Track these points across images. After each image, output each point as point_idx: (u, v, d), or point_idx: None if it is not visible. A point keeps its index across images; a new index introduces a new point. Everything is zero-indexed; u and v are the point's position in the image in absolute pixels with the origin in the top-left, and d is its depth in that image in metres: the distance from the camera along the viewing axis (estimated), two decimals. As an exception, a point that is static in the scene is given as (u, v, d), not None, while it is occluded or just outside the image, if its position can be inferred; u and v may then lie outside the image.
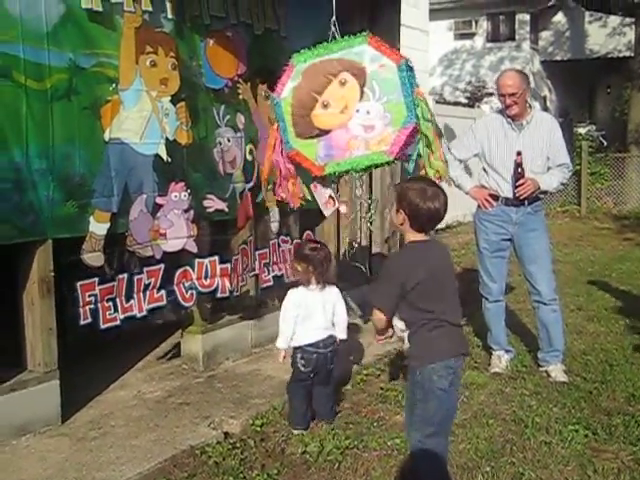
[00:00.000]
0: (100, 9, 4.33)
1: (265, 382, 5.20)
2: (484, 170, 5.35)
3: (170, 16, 4.82)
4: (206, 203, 5.17)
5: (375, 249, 7.33)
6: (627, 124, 18.28)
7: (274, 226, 5.89)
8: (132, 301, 4.72)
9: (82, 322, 4.41)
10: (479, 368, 5.40)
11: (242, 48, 5.47)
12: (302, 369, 4.41)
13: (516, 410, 4.63)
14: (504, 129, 5.23)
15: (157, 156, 4.74)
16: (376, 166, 4.04)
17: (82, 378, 4.94)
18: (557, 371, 5.22)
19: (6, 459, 3.96)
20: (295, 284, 4.66)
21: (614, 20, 26.72)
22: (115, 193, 4.50)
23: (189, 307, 5.24)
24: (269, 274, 5.88)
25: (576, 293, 7.96)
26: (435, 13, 17.07)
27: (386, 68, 3.83)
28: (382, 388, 5.01)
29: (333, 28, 4.12)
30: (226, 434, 4.32)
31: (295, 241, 6.12)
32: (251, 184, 5.60)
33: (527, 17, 27.19)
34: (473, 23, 27.57)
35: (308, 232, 6.35)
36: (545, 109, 24.58)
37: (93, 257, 4.42)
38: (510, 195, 5.17)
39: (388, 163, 3.99)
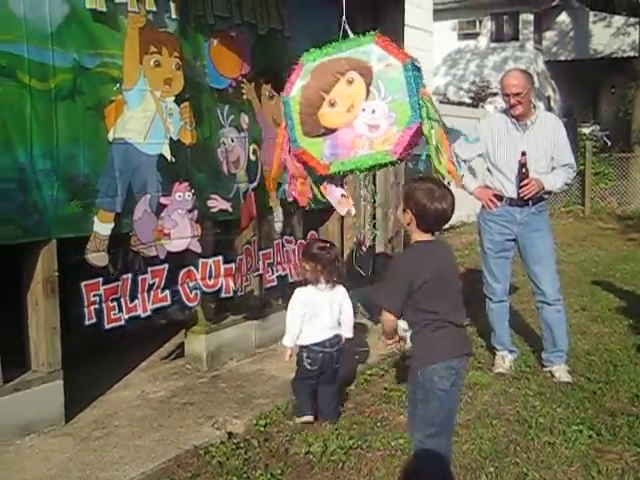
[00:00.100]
0: (104, 9, 4.34)
1: (269, 382, 5.20)
2: (488, 170, 5.35)
3: (174, 16, 4.83)
4: (210, 203, 5.18)
5: (379, 249, 7.32)
6: (631, 124, 18.26)
7: (278, 226, 5.89)
8: (136, 301, 4.73)
9: (87, 322, 4.41)
10: (483, 368, 5.39)
11: (246, 48, 5.47)
12: (308, 367, 4.44)
13: (520, 410, 4.62)
14: (508, 129, 5.22)
15: (161, 156, 4.75)
16: (380, 166, 4.03)
17: (86, 378, 4.94)
18: (561, 371, 5.22)
19: (10, 459, 3.96)
20: (300, 283, 4.67)
21: (618, 20, 26.70)
22: (119, 193, 4.51)
23: (193, 307, 5.25)
24: (273, 274, 5.88)
25: (580, 293, 7.95)
26: (439, 13, 17.11)
27: (392, 67, 3.83)
28: (386, 388, 5.00)
29: (345, 26, 4.11)
30: (230, 434, 4.32)
31: (299, 241, 6.12)
32: (255, 184, 5.60)
33: (531, 17, 27.17)
34: (477, 23, 27.57)
35: (312, 232, 6.35)
36: (549, 109, 24.56)
37: (97, 257, 4.42)
38: (514, 195, 5.16)
39: (392, 163, 3.99)
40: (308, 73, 4.06)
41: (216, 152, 5.24)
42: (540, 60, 27.95)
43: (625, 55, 25.76)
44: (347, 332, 4.59)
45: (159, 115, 4.71)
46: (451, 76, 27.71)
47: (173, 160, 4.81)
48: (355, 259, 5.85)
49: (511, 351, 5.51)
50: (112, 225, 4.47)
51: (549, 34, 28.31)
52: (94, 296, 4.45)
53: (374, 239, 7.21)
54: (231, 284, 5.29)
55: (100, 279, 4.49)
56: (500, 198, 5.24)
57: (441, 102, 19.80)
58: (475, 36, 27.81)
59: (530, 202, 5.17)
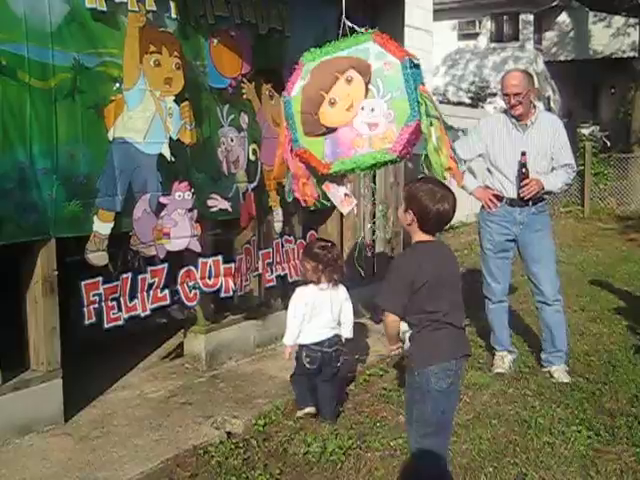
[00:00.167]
0: (104, 9, 4.34)
1: (268, 382, 5.20)
2: (488, 170, 5.34)
3: (174, 16, 4.83)
4: (210, 202, 5.18)
5: (378, 249, 7.32)
6: (631, 124, 18.26)
7: (278, 226, 5.89)
8: (136, 300, 4.73)
9: (86, 321, 4.42)
10: (482, 369, 5.39)
11: (246, 48, 5.47)
12: (307, 366, 4.46)
13: (519, 411, 4.62)
14: (508, 129, 5.22)
15: (161, 156, 4.75)
16: (381, 164, 4.03)
17: (85, 377, 4.94)
18: (560, 372, 5.22)
19: (9, 458, 3.96)
20: (300, 283, 4.67)
21: (618, 20, 26.71)
22: (119, 192, 4.51)
23: (192, 307, 5.25)
24: (272, 274, 5.88)
25: (579, 294, 7.95)
26: (439, 13, 17.10)
27: (390, 65, 3.82)
28: (385, 388, 5.00)
29: (347, 24, 4.11)
30: (229, 434, 4.32)
31: (299, 241, 6.12)
32: (254, 184, 5.60)
33: (531, 17, 27.20)
34: (477, 23, 27.61)
35: (312, 232, 6.35)
36: (549, 109, 24.57)
37: (97, 256, 4.42)
38: (514, 195, 5.16)
39: (392, 161, 3.98)
40: (308, 73, 4.06)
41: (216, 152, 5.24)
42: (540, 60, 27.97)
43: (625, 56, 25.80)
44: (347, 332, 4.60)
45: (159, 115, 4.71)
46: (451, 76, 27.73)
47: (173, 160, 4.81)
48: (358, 259, 5.85)
49: (510, 351, 5.51)
50: (112, 224, 4.47)
51: (549, 34, 28.34)
52: (94, 295, 4.45)
53: (374, 239, 7.22)
54: (230, 284, 5.29)
55: (100, 278, 4.49)
56: (500, 198, 5.24)
57: (440, 102, 19.84)
58: (475, 36, 27.84)
59: (530, 202, 5.16)
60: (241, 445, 4.15)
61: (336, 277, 4.53)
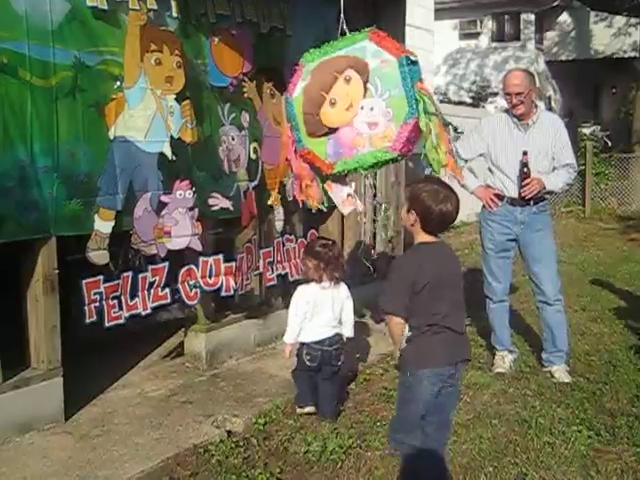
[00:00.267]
0: (105, 7, 4.34)
1: (268, 381, 5.20)
2: (489, 170, 5.34)
3: (175, 14, 4.82)
4: (211, 201, 5.17)
5: (379, 249, 7.32)
6: (632, 124, 18.26)
7: (279, 225, 5.88)
8: (137, 299, 4.73)
9: (87, 320, 4.42)
10: (482, 368, 5.39)
11: (247, 46, 5.46)
12: (307, 364, 4.47)
13: (519, 410, 4.62)
14: (510, 129, 5.22)
15: (162, 154, 4.75)
16: (382, 163, 4.02)
17: (85, 376, 4.94)
18: (561, 372, 5.22)
19: (10, 456, 3.96)
20: (301, 282, 4.67)
21: (619, 20, 26.71)
22: (120, 191, 4.50)
23: (193, 305, 5.25)
24: (273, 273, 5.88)
25: (580, 294, 7.95)
26: (440, 12, 17.09)
27: (387, 63, 3.82)
28: (385, 388, 5.00)
29: (343, 25, 4.11)
30: (229, 433, 4.32)
31: (300, 240, 6.12)
32: (255, 182, 5.59)
33: (532, 17, 27.19)
34: (478, 23, 27.61)
35: (313, 231, 6.35)
36: (550, 109, 24.55)
37: (98, 255, 4.42)
38: (515, 195, 5.16)
39: (393, 160, 3.98)
40: (308, 74, 4.06)
41: (217, 150, 5.24)
42: (541, 60, 27.97)
43: (626, 55, 25.81)
44: (348, 331, 4.60)
45: (160, 113, 4.71)
46: (452, 75, 27.73)
47: (174, 158, 4.81)
48: (365, 258, 5.86)
49: (511, 351, 5.51)
50: (113, 223, 4.47)
51: (550, 34, 28.33)
52: (95, 294, 4.45)
53: (375, 238, 7.22)
54: (231, 283, 5.29)
55: (101, 277, 4.49)
56: (501, 198, 5.24)
57: (442, 101, 19.85)
58: (476, 36, 27.84)
59: (531, 202, 5.16)
60: (241, 444, 4.15)
61: (337, 275, 4.53)
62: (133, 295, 4.71)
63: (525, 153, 5.06)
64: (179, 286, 5.01)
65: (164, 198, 4.77)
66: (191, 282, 5.08)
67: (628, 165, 16.13)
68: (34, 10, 3.99)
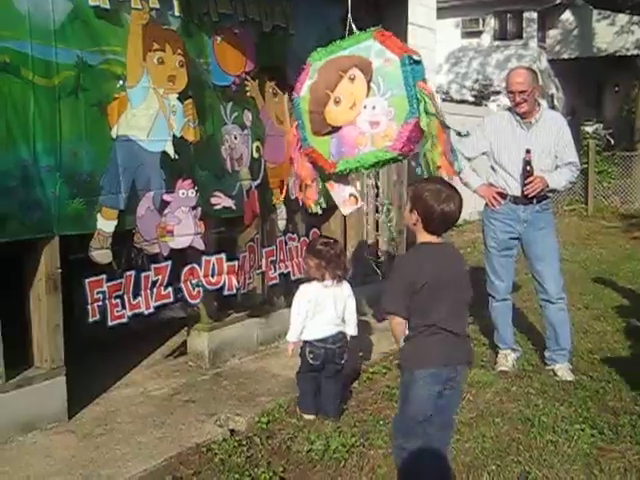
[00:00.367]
0: (107, 6, 4.34)
1: (271, 380, 5.20)
2: (492, 168, 5.33)
3: (177, 13, 4.82)
4: (213, 200, 5.17)
5: (381, 247, 7.32)
6: (635, 122, 18.23)
7: (281, 224, 5.88)
8: (139, 298, 4.73)
9: (90, 319, 4.42)
10: (485, 367, 5.39)
11: (250, 45, 5.46)
12: (310, 362, 4.47)
13: (522, 409, 4.62)
14: (513, 127, 5.21)
15: (164, 153, 4.75)
16: (383, 163, 4.02)
17: (88, 375, 4.95)
18: (564, 370, 5.21)
19: (13, 455, 3.97)
20: (303, 280, 4.67)
21: (622, 18, 26.67)
22: (122, 190, 4.51)
23: (196, 304, 5.25)
24: (276, 272, 5.88)
25: (583, 292, 7.94)
26: (443, 11, 17.05)
27: (390, 62, 3.82)
28: (388, 386, 5.00)
29: (350, 24, 4.11)
30: (232, 431, 4.32)
31: (302, 239, 6.12)
32: (258, 181, 5.59)
33: (534, 15, 27.16)
34: (480, 21, 27.58)
35: (315, 230, 6.35)
36: (552, 107, 24.53)
37: (101, 254, 4.43)
38: (518, 193, 5.16)
39: (394, 160, 3.98)
40: (315, 72, 4.07)
41: (219, 149, 5.24)
42: (543, 58, 27.93)
43: (629, 53, 25.77)
44: (351, 330, 4.60)
45: (162, 112, 4.71)
46: (454, 74, 27.70)
47: (176, 157, 4.81)
48: (374, 260, 5.87)
49: (514, 349, 5.51)
50: (115, 222, 4.47)
51: (553, 32, 28.29)
52: (97, 293, 4.46)
53: (377, 237, 7.22)
54: (234, 282, 5.29)
55: (104, 276, 4.49)
56: (504, 196, 5.23)
57: (444, 100, 19.87)
58: (478, 34, 27.81)
59: (534, 200, 5.16)
60: (244, 443, 4.15)
61: (339, 273, 4.53)
62: (136, 294, 4.71)
63: (528, 151, 5.06)
64: (182, 285, 5.01)
65: (167, 197, 4.77)
66: (194, 281, 5.08)
67: (631, 163, 16.12)
68: (36, 9, 3.99)
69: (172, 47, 4.76)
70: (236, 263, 5.30)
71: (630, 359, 5.56)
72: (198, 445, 4.09)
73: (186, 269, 5.04)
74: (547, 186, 5.10)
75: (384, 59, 3.84)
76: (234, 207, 5.33)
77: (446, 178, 3.63)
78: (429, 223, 3.24)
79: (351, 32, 4.07)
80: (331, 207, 4.57)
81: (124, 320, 4.64)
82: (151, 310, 4.81)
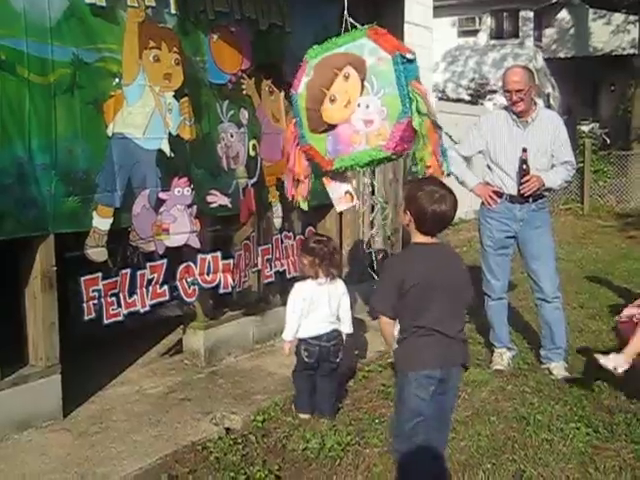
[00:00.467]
0: (103, 4, 4.33)
1: (267, 378, 5.20)
2: (488, 167, 5.34)
3: (173, 11, 4.82)
4: (209, 198, 5.17)
5: (377, 246, 7.31)
6: (631, 122, 18.25)
7: (277, 222, 5.88)
8: (135, 296, 4.73)
9: (86, 317, 4.42)
10: (481, 365, 5.40)
11: (246, 43, 5.46)
12: (306, 360, 4.47)
13: (518, 407, 4.63)
14: (509, 126, 5.21)
15: (160, 151, 4.74)
16: (378, 161, 4.03)
17: (84, 373, 4.94)
18: (559, 369, 5.22)
19: (8, 453, 3.97)
20: (299, 279, 4.67)
21: (618, 17, 26.71)
22: (118, 188, 4.50)
23: (191, 302, 5.25)
24: (271, 270, 5.87)
25: (578, 291, 7.95)
26: (439, 10, 17.06)
27: (383, 61, 3.83)
28: (384, 385, 5.00)
29: (347, 21, 4.11)
30: (227, 430, 4.32)
31: (298, 237, 6.11)
32: (254, 180, 5.59)
33: (531, 14, 27.19)
34: (477, 20, 27.59)
35: (310, 228, 6.35)
36: (548, 106, 24.55)
37: (97, 252, 4.42)
38: (514, 192, 5.16)
39: (389, 158, 3.98)
40: (311, 69, 4.08)
41: (215, 147, 5.23)
42: (540, 57, 27.96)
43: (625, 53, 25.77)
44: (346, 327, 4.60)
45: (158, 110, 4.70)
46: (450, 73, 27.71)
47: (172, 155, 4.80)
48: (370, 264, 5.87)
49: (509, 348, 5.52)
50: (111, 220, 4.46)
51: (549, 31, 28.33)
52: (93, 291, 4.45)
53: (373, 235, 7.22)
54: (229, 280, 5.28)
55: (99, 274, 4.49)
56: (500, 195, 5.24)
57: (440, 99, 19.84)
58: (475, 33, 27.83)
59: (530, 199, 5.16)
60: (240, 441, 4.15)
61: (333, 271, 4.53)
62: (131, 292, 4.71)
63: (524, 150, 5.06)
64: (177, 283, 5.01)
65: (162, 195, 4.77)
66: (189, 279, 5.08)
67: (627, 162, 16.13)
68: (32, 7, 3.99)
69: (168, 45, 4.75)
70: (232, 261, 5.30)
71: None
72: (194, 443, 4.09)
73: (182, 267, 5.03)
74: (543, 185, 5.10)
75: (377, 57, 3.85)
76: (230, 205, 5.32)
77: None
78: (422, 224, 3.22)
79: (347, 30, 4.07)
80: (327, 205, 4.57)
81: (120, 318, 4.63)
82: (147, 308, 4.81)
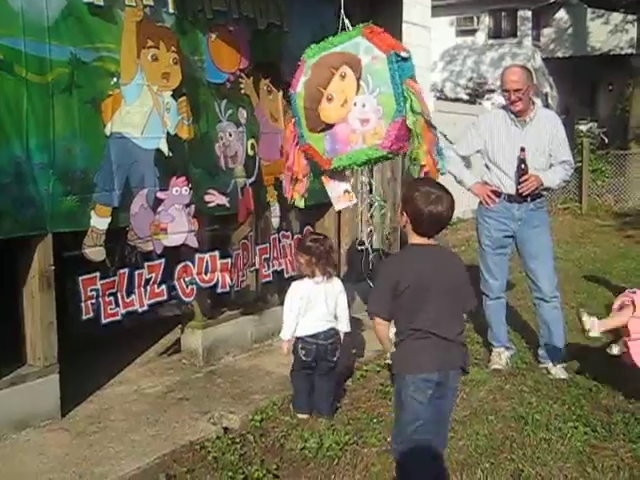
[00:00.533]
0: (101, 3, 4.33)
1: (265, 377, 5.20)
2: (486, 166, 5.34)
3: (171, 10, 4.81)
4: (207, 198, 5.17)
5: (375, 245, 7.31)
6: (628, 121, 18.26)
7: (275, 221, 5.88)
8: (133, 296, 4.72)
9: (84, 317, 4.41)
10: (479, 365, 5.40)
11: (244, 43, 5.45)
12: (303, 358, 4.48)
13: (516, 407, 4.63)
14: (507, 125, 5.21)
15: (158, 151, 4.74)
16: (375, 160, 4.03)
17: (82, 373, 4.93)
18: (557, 368, 5.23)
19: (6, 453, 3.96)
20: (297, 278, 4.68)
21: (616, 17, 26.68)
22: (116, 187, 4.50)
23: (189, 302, 5.24)
24: (269, 269, 5.87)
25: (577, 290, 7.95)
26: (437, 9, 17.07)
27: (378, 60, 3.83)
28: (382, 384, 5.00)
29: (346, 21, 4.11)
30: (225, 429, 4.32)
31: (296, 236, 6.11)
32: (252, 179, 5.59)
33: (529, 14, 27.20)
34: (475, 19, 27.60)
35: (308, 227, 6.35)
36: (546, 106, 24.56)
37: (95, 252, 4.42)
38: (512, 191, 5.16)
39: (385, 157, 3.98)
40: (309, 69, 4.08)
41: (214, 147, 5.23)
42: (538, 57, 27.96)
43: (623, 52, 25.79)
44: (344, 326, 4.60)
45: (156, 109, 4.70)
46: (448, 72, 27.72)
47: (170, 155, 4.80)
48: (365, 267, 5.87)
49: (507, 348, 5.52)
50: (109, 219, 4.46)
51: (547, 31, 28.33)
52: (91, 291, 4.45)
53: (371, 235, 7.21)
54: (227, 279, 5.28)
55: (97, 274, 4.48)
56: (498, 194, 5.24)
57: (438, 98, 19.83)
58: (473, 32, 27.83)
59: (528, 198, 5.16)
60: (238, 440, 4.15)
61: (330, 270, 4.54)
62: (129, 292, 4.70)
63: (523, 150, 5.06)
64: (175, 283, 5.00)
65: (160, 195, 4.77)
66: (187, 279, 5.08)
67: (625, 162, 16.14)
68: (30, 6, 3.98)
69: (166, 44, 4.75)
70: (230, 261, 5.30)
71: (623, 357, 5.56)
72: (192, 443, 4.09)
73: (180, 267, 5.03)
74: (541, 184, 5.11)
75: (372, 56, 3.85)
76: (228, 205, 5.32)
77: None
78: (418, 225, 3.21)
79: (344, 30, 4.07)
80: (325, 204, 4.57)
81: (118, 318, 4.63)
82: (145, 308, 4.81)
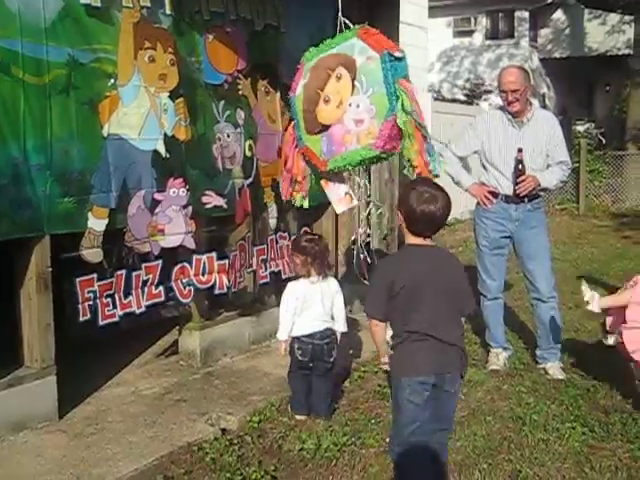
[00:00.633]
0: (98, 4, 4.33)
1: (263, 379, 5.20)
2: (483, 167, 5.34)
3: (169, 12, 4.81)
4: (205, 199, 5.16)
5: (373, 246, 7.31)
6: (626, 122, 18.28)
7: (272, 222, 5.88)
8: (130, 297, 4.72)
9: (81, 318, 4.41)
10: (477, 365, 5.40)
11: (242, 44, 5.45)
12: (299, 358, 4.48)
13: (514, 407, 4.63)
14: (504, 126, 5.21)
15: (155, 152, 4.74)
16: (369, 160, 4.03)
17: (79, 374, 4.93)
18: (555, 368, 5.23)
19: (4, 455, 3.95)
20: (294, 279, 4.68)
21: (613, 18, 26.71)
22: (113, 189, 4.49)
23: (187, 303, 5.24)
24: (266, 270, 5.87)
25: (574, 291, 7.88)
26: (434, 10, 17.06)
27: (371, 60, 3.84)
28: (380, 385, 5.00)
29: (341, 22, 4.11)
30: (223, 430, 4.32)
31: (293, 237, 6.11)
32: (250, 180, 5.59)
33: (526, 14, 27.19)
34: (472, 20, 27.58)
35: (306, 229, 6.35)
36: (544, 107, 24.58)
37: (92, 253, 4.41)
38: (510, 192, 5.16)
39: (379, 157, 3.98)
40: (308, 72, 4.10)
41: (211, 148, 5.23)
42: (535, 57, 27.97)
43: (620, 53, 25.80)
44: (340, 326, 4.60)
45: (154, 111, 4.70)
46: (445, 73, 27.71)
47: (168, 156, 4.80)
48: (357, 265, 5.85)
49: (505, 348, 5.52)
50: (106, 221, 4.46)
51: (544, 31, 28.33)
52: (88, 292, 4.45)
53: (369, 235, 7.21)
54: (225, 280, 5.29)
55: (95, 275, 4.48)
56: (495, 195, 5.24)
57: (435, 99, 19.82)
58: (470, 33, 27.82)
59: (526, 199, 5.17)
60: (236, 442, 4.14)
61: (326, 270, 4.54)
62: (127, 293, 4.70)
63: (520, 150, 5.07)
64: (173, 284, 5.00)
65: (158, 196, 4.76)
66: (184, 280, 5.08)
67: (622, 162, 16.17)
68: (27, 8, 3.98)
69: (163, 45, 4.74)
70: (227, 262, 5.30)
71: (621, 358, 5.55)
72: (189, 444, 4.09)
73: (177, 268, 5.03)
74: (539, 185, 5.11)
75: (366, 57, 3.87)
76: (225, 206, 5.32)
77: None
78: (411, 224, 3.21)
79: (342, 31, 4.08)
80: (323, 205, 4.57)
81: (115, 319, 4.62)
82: (142, 309, 4.80)
